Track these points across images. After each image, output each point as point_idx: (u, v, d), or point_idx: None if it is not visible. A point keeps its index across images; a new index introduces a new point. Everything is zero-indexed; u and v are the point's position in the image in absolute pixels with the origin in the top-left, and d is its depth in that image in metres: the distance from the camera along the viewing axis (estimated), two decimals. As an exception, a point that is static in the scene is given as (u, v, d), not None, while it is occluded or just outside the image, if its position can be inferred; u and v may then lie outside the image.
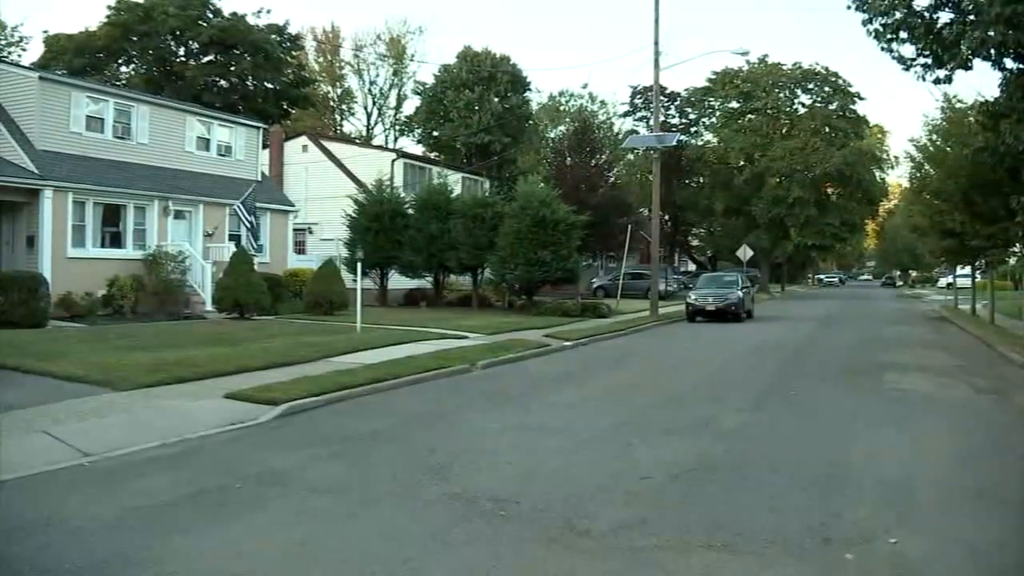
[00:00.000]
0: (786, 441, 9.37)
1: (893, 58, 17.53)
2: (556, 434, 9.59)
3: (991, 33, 15.23)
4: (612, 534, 6.05)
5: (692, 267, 67.87)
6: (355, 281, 21.88)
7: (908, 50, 17.24)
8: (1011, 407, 12.04)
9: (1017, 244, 22.92)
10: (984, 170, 23.77)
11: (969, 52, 15.88)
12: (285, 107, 46.41)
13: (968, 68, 16.59)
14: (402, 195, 32.47)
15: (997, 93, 18.30)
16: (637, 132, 55.98)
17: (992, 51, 16.00)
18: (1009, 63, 17.09)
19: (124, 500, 6.69)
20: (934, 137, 30.56)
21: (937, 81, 17.34)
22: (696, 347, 20.71)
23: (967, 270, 37.82)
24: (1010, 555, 5.73)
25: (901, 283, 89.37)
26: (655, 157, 32.80)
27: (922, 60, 17.15)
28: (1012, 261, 27.00)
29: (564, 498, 6.89)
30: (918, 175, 34.92)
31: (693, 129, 64.22)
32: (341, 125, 71.07)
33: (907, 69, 17.45)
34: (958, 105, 26.56)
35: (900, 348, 20.21)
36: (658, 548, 5.75)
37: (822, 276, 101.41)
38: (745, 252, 46.98)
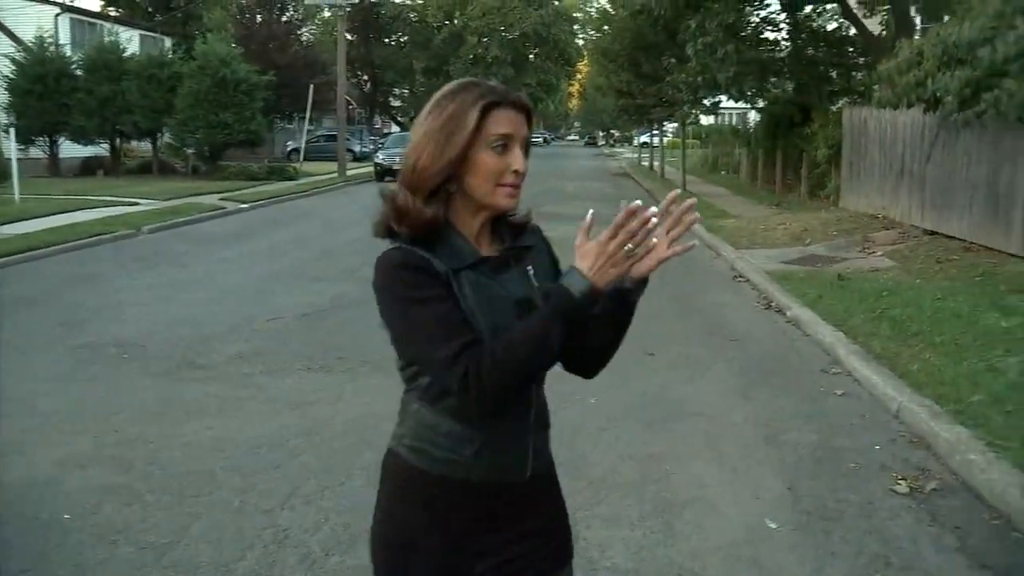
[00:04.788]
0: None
1: None
2: (205, 287, 10.24)
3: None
4: (225, 365, 6.93)
5: (396, 129, 68.05)
6: (19, 149, 20.71)
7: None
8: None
9: (685, 104, 25.20)
10: (645, 32, 26.08)
11: None
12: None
13: None
14: (69, 54, 30.12)
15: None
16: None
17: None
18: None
19: None
20: (610, -1, 32.84)
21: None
22: (374, 204, 21.49)
23: (665, 128, 39.49)
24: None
25: (603, 142, 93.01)
26: (340, 15, 32.77)
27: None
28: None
29: (191, 339, 7.66)
30: (598, 36, 37.35)
31: (392, -15, 63.29)
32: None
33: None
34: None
35: (569, 200, 21.68)
36: (262, 373, 6.69)
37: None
38: (442, 112, 47.82)
